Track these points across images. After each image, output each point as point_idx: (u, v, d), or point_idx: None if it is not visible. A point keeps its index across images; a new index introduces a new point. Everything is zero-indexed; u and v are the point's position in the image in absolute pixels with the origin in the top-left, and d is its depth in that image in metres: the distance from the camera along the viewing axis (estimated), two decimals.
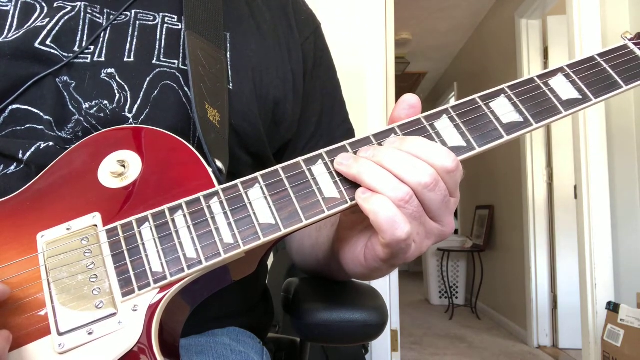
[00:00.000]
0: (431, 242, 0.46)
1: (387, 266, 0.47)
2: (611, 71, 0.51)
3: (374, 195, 0.42)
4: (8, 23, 0.57)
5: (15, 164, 0.53)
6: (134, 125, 0.55)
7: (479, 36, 4.59)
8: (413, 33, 4.70)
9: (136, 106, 0.56)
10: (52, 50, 0.56)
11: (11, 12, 0.58)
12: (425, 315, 4.43)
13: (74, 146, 0.50)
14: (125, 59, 0.58)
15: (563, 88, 0.49)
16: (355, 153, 0.45)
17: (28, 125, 0.54)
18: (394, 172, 0.42)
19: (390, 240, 0.42)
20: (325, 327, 0.61)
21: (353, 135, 0.76)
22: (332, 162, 0.45)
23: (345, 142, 0.46)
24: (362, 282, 0.68)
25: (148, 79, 0.57)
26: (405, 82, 6.09)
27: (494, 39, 4.10)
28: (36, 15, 0.58)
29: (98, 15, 0.60)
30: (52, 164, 0.49)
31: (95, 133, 0.51)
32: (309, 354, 0.77)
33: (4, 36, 0.56)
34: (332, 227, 0.60)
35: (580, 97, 0.49)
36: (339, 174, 0.45)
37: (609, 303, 2.03)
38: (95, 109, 0.55)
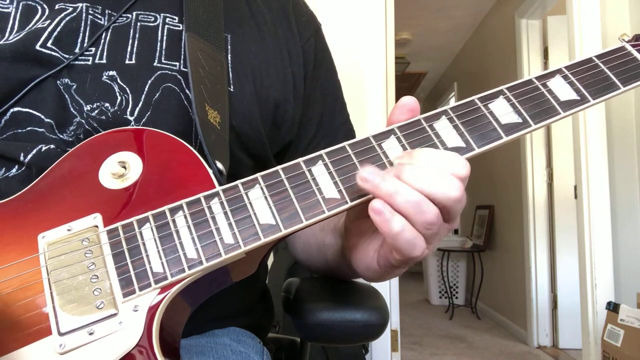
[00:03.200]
0: (440, 240, 0.46)
1: (400, 269, 0.48)
2: (609, 72, 0.51)
3: (394, 216, 0.40)
4: (9, 25, 0.57)
5: (16, 167, 0.53)
6: (134, 127, 0.55)
7: (479, 36, 4.59)
8: (413, 33, 4.70)
9: (137, 109, 0.56)
10: (53, 53, 0.56)
11: (12, 14, 0.58)
12: (425, 315, 4.43)
13: (74, 148, 0.50)
14: (127, 62, 0.58)
15: (561, 89, 0.49)
16: (354, 156, 0.45)
17: (29, 128, 0.55)
18: (424, 192, 0.40)
19: (407, 258, 0.42)
20: (326, 327, 0.61)
21: (354, 136, 0.76)
22: (332, 162, 0.45)
23: (345, 143, 0.46)
24: (363, 282, 0.69)
25: (149, 81, 0.57)
26: (405, 82, 6.09)
27: (494, 39, 4.10)
28: (37, 17, 0.58)
29: (99, 17, 0.60)
30: (53, 166, 0.49)
31: (96, 135, 0.51)
32: (309, 354, 0.78)
33: (5, 38, 0.56)
34: (334, 230, 0.60)
35: (579, 98, 0.49)
36: (339, 175, 0.45)
37: (609, 303, 2.03)
38: (96, 111, 0.55)
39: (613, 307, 1.98)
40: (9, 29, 0.57)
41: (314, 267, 0.72)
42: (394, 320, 2.26)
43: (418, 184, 0.40)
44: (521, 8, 3.41)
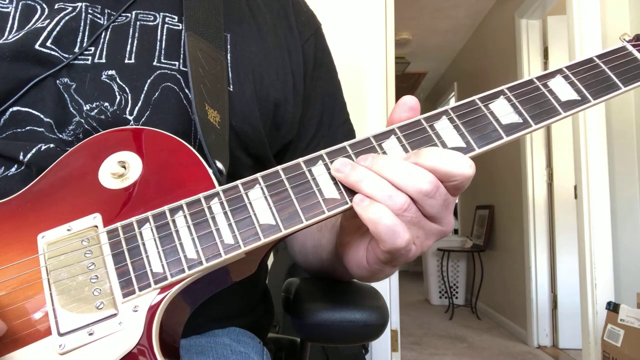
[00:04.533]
0: (432, 242, 0.46)
1: (389, 267, 0.48)
2: (610, 73, 0.51)
3: (372, 203, 0.42)
4: (9, 25, 0.57)
5: (15, 166, 0.53)
6: (134, 127, 0.55)
7: (479, 36, 4.59)
8: (413, 33, 4.70)
9: (137, 108, 0.56)
10: (53, 52, 0.56)
11: (12, 13, 0.58)
12: (425, 315, 4.43)
13: (74, 147, 0.50)
14: (126, 61, 0.58)
15: (562, 89, 0.49)
16: (355, 156, 0.45)
17: (28, 128, 0.54)
18: (391, 180, 0.42)
19: (390, 248, 0.42)
20: (326, 327, 0.61)
21: (354, 136, 0.76)
22: (332, 163, 0.45)
23: (345, 143, 0.46)
24: (363, 282, 0.69)
25: (149, 81, 0.57)
26: (405, 82, 6.09)
27: (494, 39, 4.10)
28: (37, 16, 0.58)
29: (99, 16, 0.60)
30: (52, 165, 0.49)
31: (96, 134, 0.51)
32: (309, 354, 0.78)
33: (4, 38, 0.56)
34: (332, 229, 0.60)
35: (579, 98, 0.49)
36: None
37: (609, 303, 2.03)
38: (95, 110, 0.55)
39: (613, 307, 1.98)
40: (8, 29, 0.57)
41: (310, 268, 0.72)
42: (394, 320, 2.26)
43: (385, 172, 0.42)
44: (521, 8, 3.41)
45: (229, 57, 0.63)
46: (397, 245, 0.42)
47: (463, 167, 0.42)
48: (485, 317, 4.29)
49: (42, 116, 0.54)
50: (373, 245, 0.46)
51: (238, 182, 0.45)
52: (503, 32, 3.81)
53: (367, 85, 2.26)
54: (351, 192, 0.44)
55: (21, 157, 0.52)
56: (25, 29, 0.57)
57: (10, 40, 0.55)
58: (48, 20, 0.57)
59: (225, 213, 0.43)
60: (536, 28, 3.43)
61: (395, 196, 0.42)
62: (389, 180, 0.42)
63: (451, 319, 4.21)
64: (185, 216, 0.43)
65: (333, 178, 0.45)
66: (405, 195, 0.42)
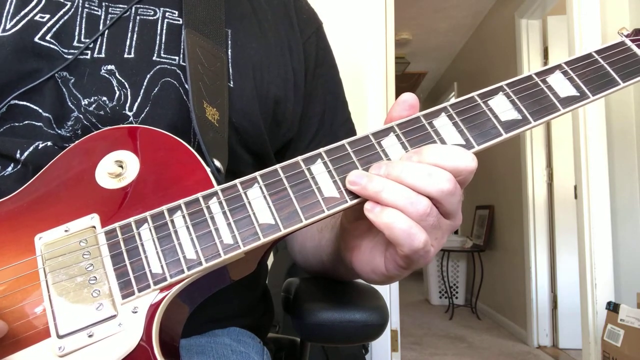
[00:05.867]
0: (446, 238, 0.46)
1: (408, 271, 0.47)
2: (608, 68, 0.50)
3: (385, 209, 0.41)
4: (5, 10, 0.57)
5: (12, 165, 0.53)
6: (131, 125, 0.54)
7: (479, 36, 4.59)
8: (413, 33, 4.70)
9: (136, 104, 0.56)
10: (52, 46, 0.56)
11: (8, 0, 0.58)
12: (425, 315, 4.43)
13: (71, 146, 0.49)
14: (126, 56, 0.57)
15: (561, 85, 0.49)
16: (354, 154, 0.45)
17: (26, 122, 0.54)
18: (412, 185, 0.41)
19: (409, 251, 0.42)
20: (325, 327, 0.61)
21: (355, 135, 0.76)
22: (331, 161, 0.45)
23: (344, 141, 0.46)
24: (363, 282, 0.68)
25: (148, 76, 0.57)
26: (405, 82, 6.09)
27: (494, 39, 4.10)
28: (33, 3, 0.58)
29: (96, 9, 0.60)
30: (49, 165, 0.48)
31: (92, 133, 0.50)
32: (309, 354, 0.77)
33: (2, 27, 0.56)
34: (332, 229, 0.60)
35: (578, 94, 0.49)
36: (338, 173, 0.44)
37: (609, 303, 2.03)
38: (94, 105, 0.55)
39: (613, 307, 1.98)
40: (4, 14, 0.56)
41: (311, 269, 0.71)
42: (394, 320, 2.26)
43: (406, 179, 0.41)
44: (521, 8, 3.41)
45: (229, 53, 0.63)
46: (415, 247, 0.41)
47: (466, 160, 0.42)
48: (485, 317, 4.29)
49: (40, 110, 0.54)
50: (391, 252, 0.46)
51: (236, 181, 0.44)
52: (503, 32, 3.81)
53: (367, 85, 2.26)
54: (350, 191, 0.43)
55: (18, 156, 0.52)
56: (22, 14, 0.56)
57: (9, 33, 0.55)
58: (48, 15, 0.57)
59: (224, 213, 0.43)
60: (536, 28, 3.43)
61: (417, 202, 0.41)
62: (410, 185, 0.41)
63: (451, 319, 4.21)
64: (183, 216, 0.43)
65: (332, 176, 0.44)
66: (427, 199, 0.41)
